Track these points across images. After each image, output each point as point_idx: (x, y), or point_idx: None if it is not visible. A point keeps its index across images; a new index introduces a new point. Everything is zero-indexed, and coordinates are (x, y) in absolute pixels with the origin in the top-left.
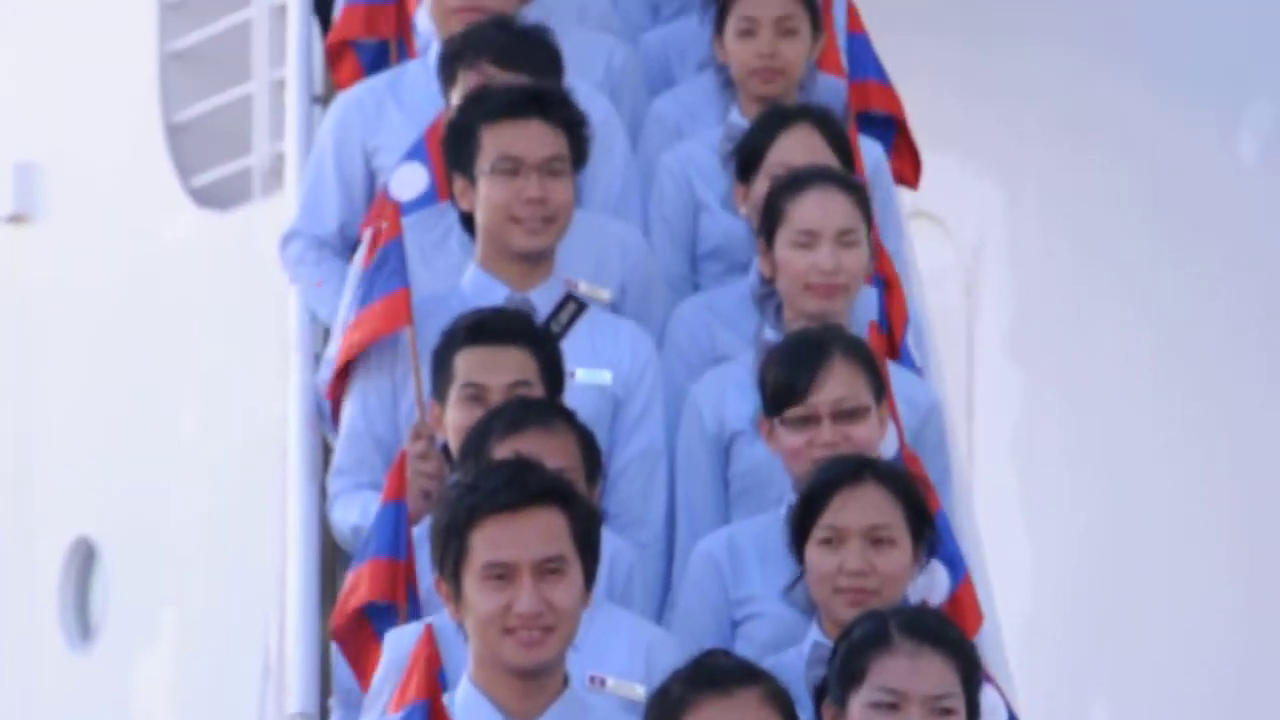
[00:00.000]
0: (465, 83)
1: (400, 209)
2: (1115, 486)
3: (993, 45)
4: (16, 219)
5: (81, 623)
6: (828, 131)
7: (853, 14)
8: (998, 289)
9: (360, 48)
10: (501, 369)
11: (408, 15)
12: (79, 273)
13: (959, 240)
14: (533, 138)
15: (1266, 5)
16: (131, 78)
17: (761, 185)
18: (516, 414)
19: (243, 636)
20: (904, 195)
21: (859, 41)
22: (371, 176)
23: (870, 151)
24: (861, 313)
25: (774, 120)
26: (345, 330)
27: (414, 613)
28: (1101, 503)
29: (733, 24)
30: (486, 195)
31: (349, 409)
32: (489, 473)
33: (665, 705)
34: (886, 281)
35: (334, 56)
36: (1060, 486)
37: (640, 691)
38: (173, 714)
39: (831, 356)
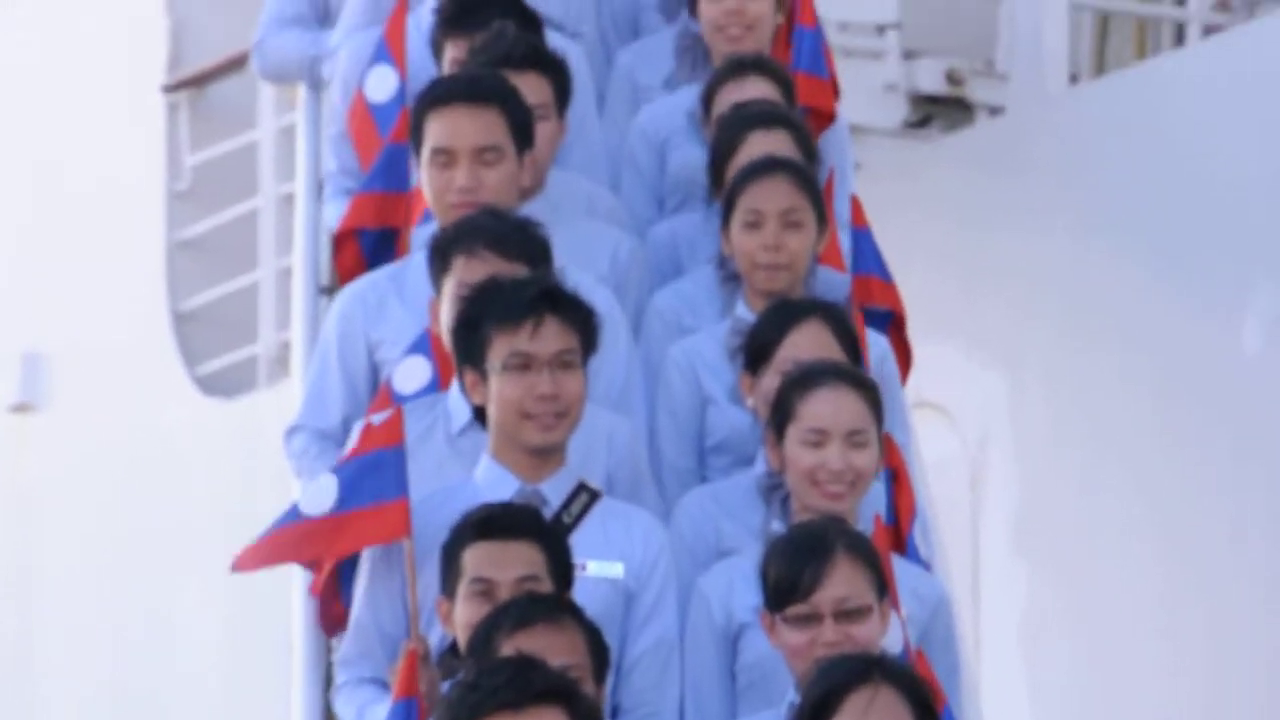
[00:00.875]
0: (459, 271)
1: (403, 414)
2: (1120, 682)
3: (994, 231)
4: (21, 408)
5: None
6: (837, 327)
7: (856, 208)
8: (1003, 479)
9: (364, 235)
10: (510, 564)
11: (419, 206)
12: (83, 462)
13: (964, 430)
14: (544, 335)
15: (1271, 194)
16: (138, 266)
17: (771, 380)
18: (524, 610)
19: None
20: (908, 384)
21: (863, 236)
22: (375, 369)
23: (876, 344)
24: (867, 506)
25: (784, 315)
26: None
27: None
28: (1107, 698)
29: (739, 216)
30: (499, 391)
31: (357, 601)
32: (490, 671)
33: None
34: (894, 473)
35: (338, 244)
36: (1067, 680)
37: None
38: None
39: (834, 554)
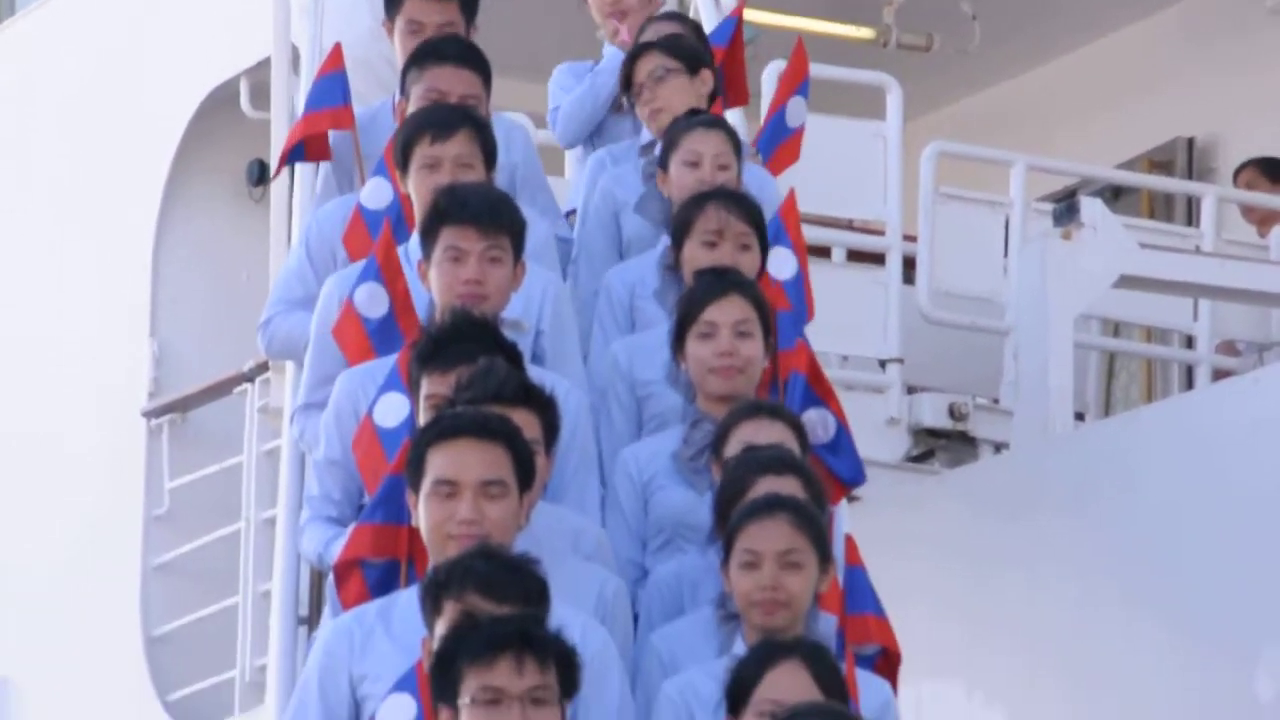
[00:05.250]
0: (450, 613)
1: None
2: None
3: (997, 570)
4: None
5: None
6: (818, 668)
7: (851, 547)
8: None
9: (368, 568)
10: None
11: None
12: None
13: None
14: (517, 671)
15: (1274, 551)
16: (112, 591)
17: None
18: None
19: None
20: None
21: (858, 575)
22: (357, 706)
23: (880, 692)
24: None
25: (762, 655)
26: None
27: None
28: None
29: (736, 556)
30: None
31: None
32: None
33: None
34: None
35: (341, 576)
36: None
37: None
38: None
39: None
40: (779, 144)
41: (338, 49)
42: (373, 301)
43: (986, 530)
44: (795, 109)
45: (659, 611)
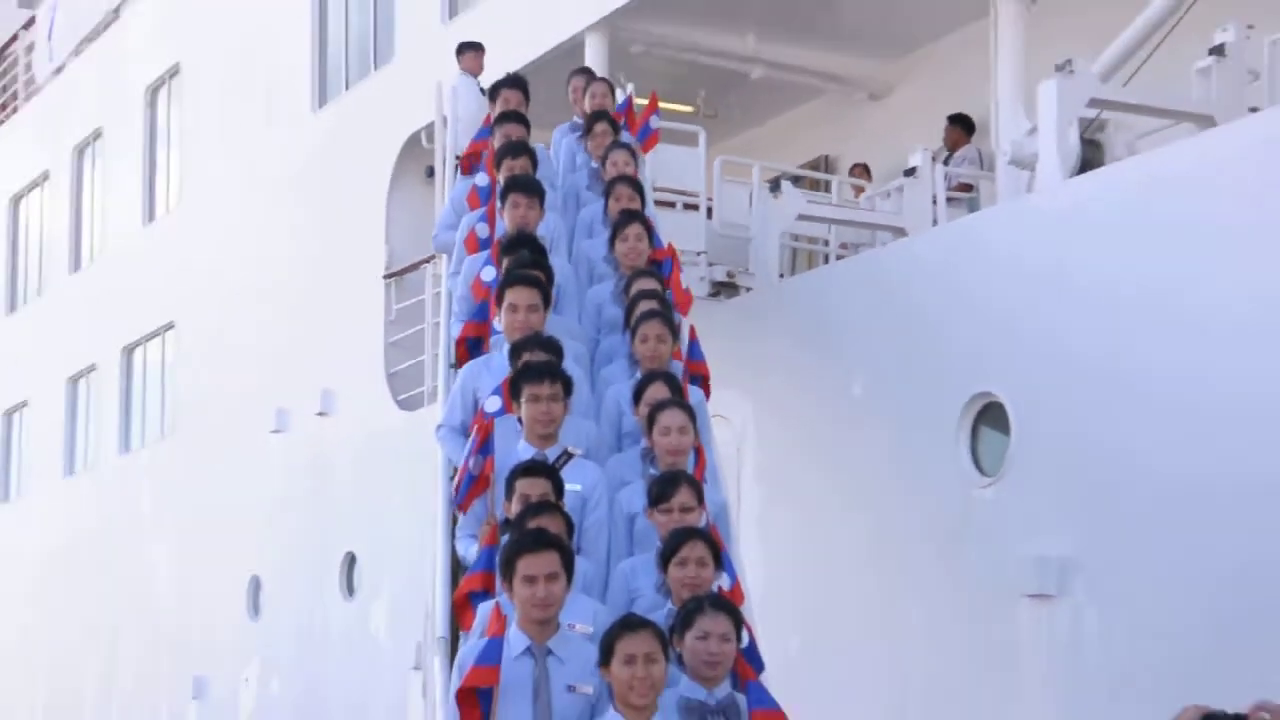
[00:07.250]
0: (521, 359)
1: (492, 420)
2: (820, 550)
3: (749, 345)
4: (322, 414)
5: (349, 588)
6: (670, 383)
7: (692, 332)
8: (752, 450)
9: (470, 343)
10: (536, 488)
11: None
12: (350, 442)
13: (735, 428)
14: (545, 386)
15: (864, 331)
16: (372, 352)
17: (643, 408)
18: (538, 508)
19: (419, 599)
20: (711, 407)
21: (694, 344)
22: (476, 401)
23: (697, 394)
24: (691, 467)
25: (646, 379)
26: (468, 475)
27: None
28: (815, 560)
29: (637, 336)
30: (525, 409)
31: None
32: (524, 535)
33: (608, 637)
34: (697, 450)
35: (459, 347)
36: (785, 549)
37: (591, 630)
38: (390, 634)
39: (681, 485)
40: (645, 139)
41: (488, 117)
42: (481, 228)
43: (741, 330)
44: (653, 123)
45: (603, 359)
